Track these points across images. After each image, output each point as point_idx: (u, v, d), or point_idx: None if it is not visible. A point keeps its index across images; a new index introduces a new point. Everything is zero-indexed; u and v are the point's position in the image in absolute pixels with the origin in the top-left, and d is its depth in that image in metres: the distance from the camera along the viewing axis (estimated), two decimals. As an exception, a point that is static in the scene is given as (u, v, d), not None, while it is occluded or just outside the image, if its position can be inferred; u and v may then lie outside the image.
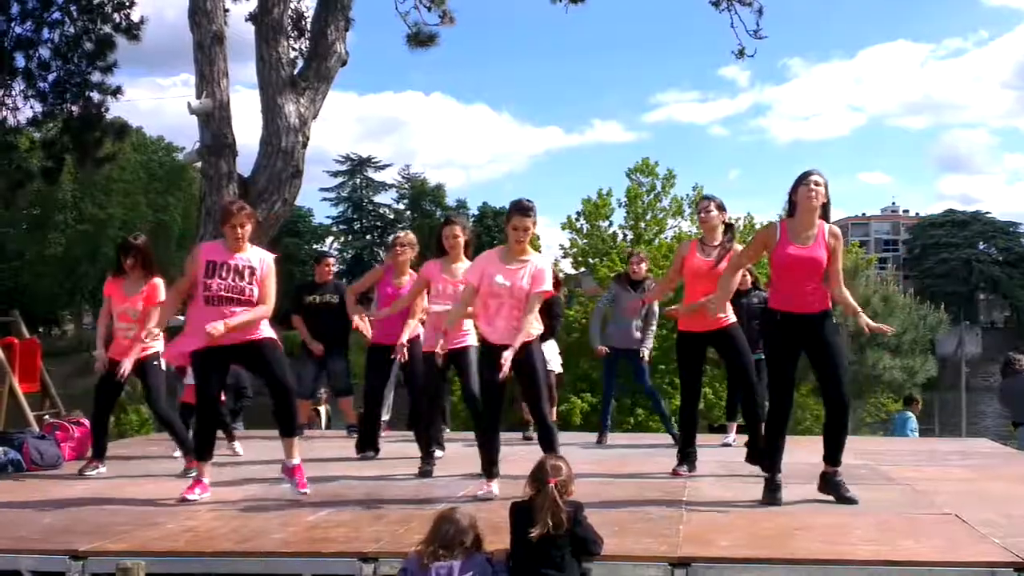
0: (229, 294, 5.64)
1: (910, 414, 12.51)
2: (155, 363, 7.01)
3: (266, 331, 5.80)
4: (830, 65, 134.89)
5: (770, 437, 5.63)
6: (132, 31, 16.69)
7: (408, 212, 75.71)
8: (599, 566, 4.08)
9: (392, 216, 76.07)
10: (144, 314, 6.74)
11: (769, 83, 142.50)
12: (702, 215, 6.69)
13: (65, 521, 5.20)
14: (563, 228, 26.75)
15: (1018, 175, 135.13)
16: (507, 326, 5.58)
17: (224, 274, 5.66)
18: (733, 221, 6.95)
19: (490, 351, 5.66)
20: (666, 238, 24.85)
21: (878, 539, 4.52)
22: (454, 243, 6.59)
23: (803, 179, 5.43)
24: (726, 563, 4.18)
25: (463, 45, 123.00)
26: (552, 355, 8.57)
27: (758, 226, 27.67)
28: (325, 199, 76.92)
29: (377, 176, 77.84)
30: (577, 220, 26.42)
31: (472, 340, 6.57)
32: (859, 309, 5.53)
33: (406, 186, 77.51)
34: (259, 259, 5.83)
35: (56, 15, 16.40)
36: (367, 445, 7.65)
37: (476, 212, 73.05)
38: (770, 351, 5.68)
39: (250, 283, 5.70)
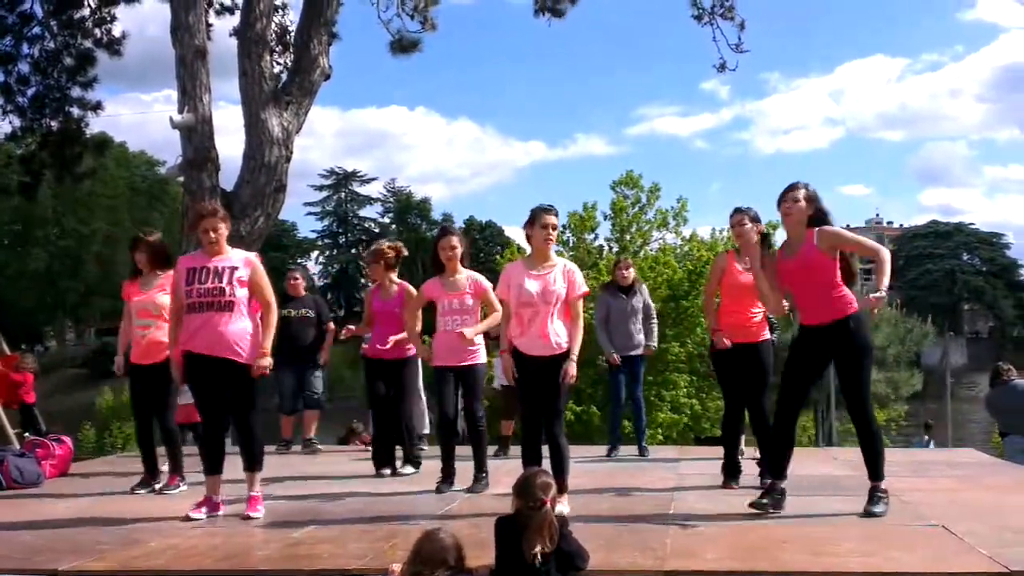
0: (211, 298, 5.54)
1: (926, 437, 14.14)
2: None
3: (248, 356, 5.59)
4: (808, 80, 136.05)
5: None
6: (113, 46, 16.63)
7: (393, 226, 75.64)
8: (586, 581, 4.03)
9: (377, 230, 75.96)
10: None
11: (750, 97, 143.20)
12: (736, 229, 6.42)
13: (45, 540, 5.12)
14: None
15: (997, 187, 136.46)
16: (540, 334, 5.50)
17: (204, 278, 5.57)
18: (769, 232, 6.87)
19: (525, 363, 5.58)
20: (651, 250, 24.94)
21: (866, 550, 4.50)
22: (451, 254, 6.45)
23: (780, 197, 5.45)
24: (713, 576, 4.15)
25: (446, 60, 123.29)
26: None
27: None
28: (310, 213, 76.87)
29: (362, 190, 77.90)
30: (563, 233, 26.45)
31: (482, 358, 6.53)
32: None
33: (391, 200, 77.50)
34: (242, 259, 5.75)
35: (36, 30, 16.33)
36: (383, 462, 7.46)
37: (462, 225, 72.97)
38: (786, 363, 5.60)
39: (230, 283, 5.57)
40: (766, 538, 4.81)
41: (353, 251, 76.13)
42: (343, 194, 77.32)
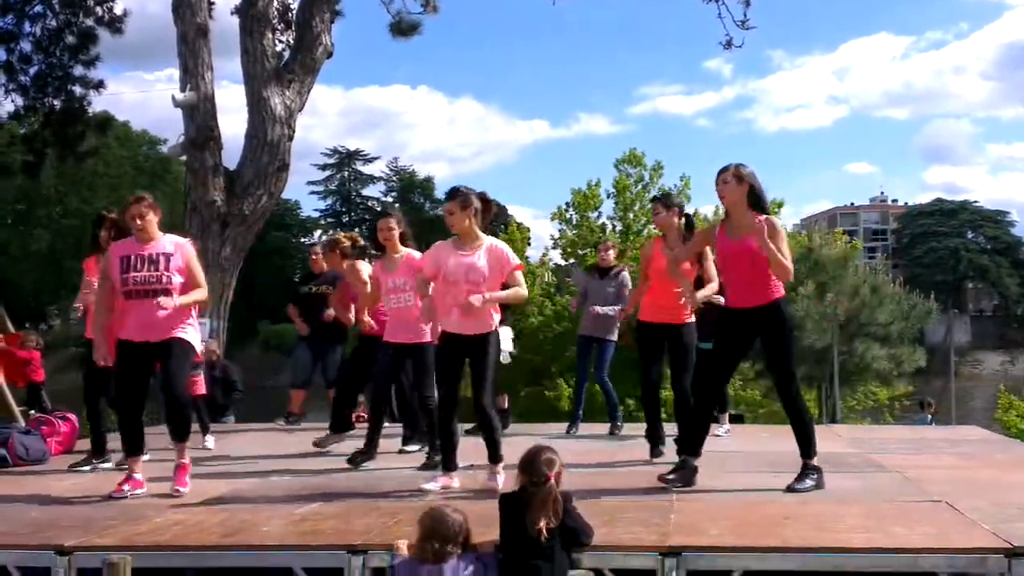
0: (147, 286, 5.61)
1: (928, 416, 14.21)
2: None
3: (185, 332, 5.73)
4: (812, 58, 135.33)
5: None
6: (115, 24, 16.57)
7: (397, 205, 75.54)
8: (589, 556, 4.05)
9: (380, 209, 75.92)
10: None
11: (753, 75, 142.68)
12: (654, 218, 6.85)
13: (51, 516, 5.15)
14: (552, 219, 26.78)
15: (1001, 165, 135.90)
16: (465, 315, 5.53)
17: (139, 266, 5.64)
18: (689, 214, 6.92)
19: (450, 340, 5.65)
20: (655, 228, 24.88)
21: (869, 526, 4.51)
22: (388, 235, 6.63)
23: (715, 180, 5.51)
24: (717, 551, 4.16)
25: (448, 39, 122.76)
26: (506, 339, 8.61)
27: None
28: (313, 192, 76.72)
29: (365, 169, 77.73)
30: (567, 211, 26.41)
31: (429, 337, 6.48)
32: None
33: (394, 179, 77.37)
34: (173, 244, 5.80)
35: (38, 8, 16.27)
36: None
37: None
38: (715, 342, 5.70)
39: (167, 270, 5.65)
40: (769, 515, 4.82)
41: (356, 230, 76.08)
42: (346, 173, 77.18)
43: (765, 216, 5.38)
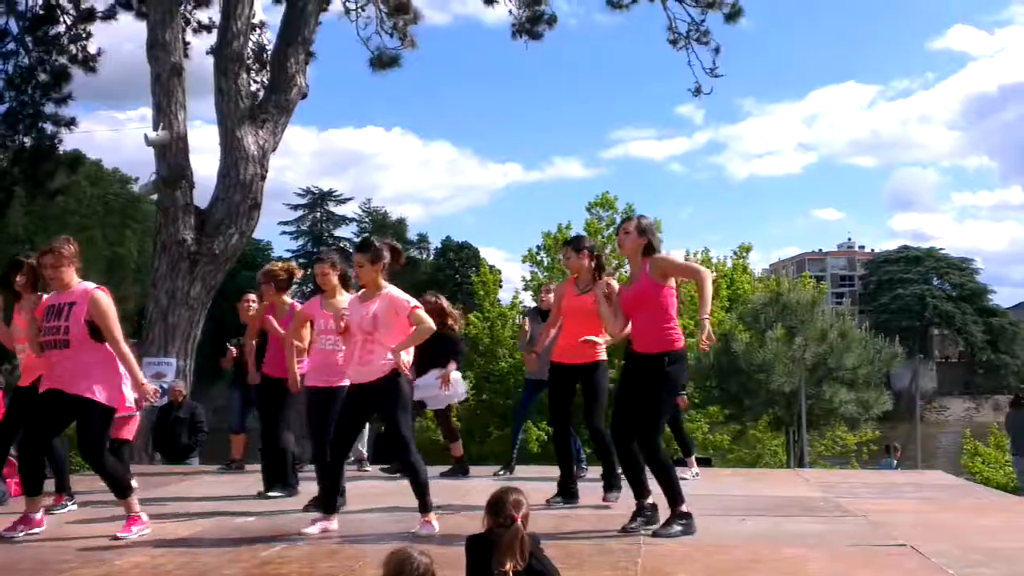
0: (52, 336, 5.54)
1: (894, 460, 15.18)
2: None
3: (96, 393, 5.47)
4: (782, 105, 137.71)
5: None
6: (89, 63, 16.57)
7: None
8: (556, 600, 4.02)
9: (352, 249, 75.74)
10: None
11: (724, 122, 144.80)
12: (564, 261, 7.00)
13: (9, 558, 5.04)
14: (523, 261, 26.91)
15: (967, 213, 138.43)
16: (363, 360, 5.65)
17: (50, 317, 5.59)
18: (600, 254, 7.01)
19: (355, 392, 5.76)
20: (626, 271, 25.03)
21: (835, 571, 4.52)
22: (323, 280, 6.66)
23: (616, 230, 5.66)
24: (684, 596, 4.15)
25: (423, 82, 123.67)
26: (458, 383, 8.76)
27: (715, 261, 27.97)
28: (284, 232, 76.38)
29: (338, 210, 77.57)
30: (538, 253, 26.55)
31: (344, 382, 6.42)
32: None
33: (367, 220, 77.32)
34: (80, 293, 5.60)
35: (11, 46, 16.23)
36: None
37: (439, 246, 73.09)
38: (617, 388, 5.75)
39: (67, 321, 5.50)
40: (737, 559, 4.82)
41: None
42: (318, 213, 77.05)
43: (651, 257, 5.59)
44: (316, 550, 5.16)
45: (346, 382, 6.28)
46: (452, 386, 8.59)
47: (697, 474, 8.34)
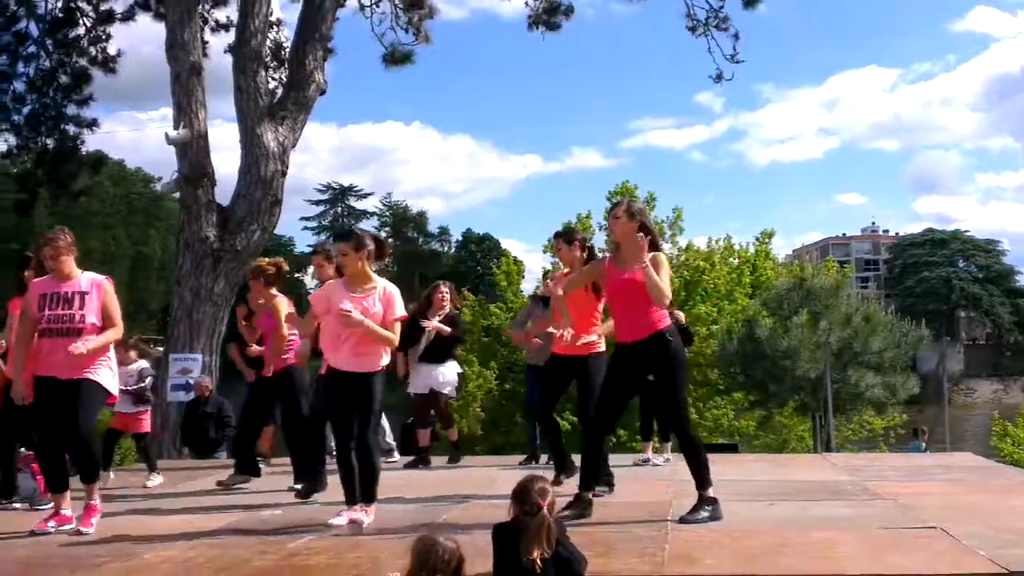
0: (61, 324, 5.56)
1: (922, 443, 15.12)
2: None
3: (96, 373, 5.63)
4: (801, 91, 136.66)
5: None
6: (109, 64, 16.69)
7: (390, 239, 75.69)
8: (584, 587, 4.02)
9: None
10: None
11: (743, 109, 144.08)
12: (558, 254, 7.00)
13: (41, 554, 5.09)
14: (544, 252, 26.87)
15: (991, 194, 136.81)
16: (353, 352, 5.59)
17: (54, 304, 5.60)
18: (592, 246, 7.02)
19: (338, 378, 5.68)
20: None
21: (865, 554, 4.49)
22: (320, 273, 6.67)
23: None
24: (712, 581, 4.14)
25: (441, 75, 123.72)
26: (450, 377, 8.83)
27: (737, 247, 27.82)
28: (306, 228, 76.83)
29: (359, 204, 77.94)
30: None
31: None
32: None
33: (388, 214, 77.54)
34: (89, 282, 5.71)
35: (32, 49, 16.37)
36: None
37: (460, 238, 73.14)
38: (604, 381, 5.72)
39: (80, 310, 5.58)
40: (765, 544, 4.79)
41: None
42: (339, 208, 77.38)
43: (654, 254, 5.48)
44: (343, 541, 5.18)
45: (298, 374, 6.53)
46: (447, 373, 8.78)
47: (668, 459, 8.49)
